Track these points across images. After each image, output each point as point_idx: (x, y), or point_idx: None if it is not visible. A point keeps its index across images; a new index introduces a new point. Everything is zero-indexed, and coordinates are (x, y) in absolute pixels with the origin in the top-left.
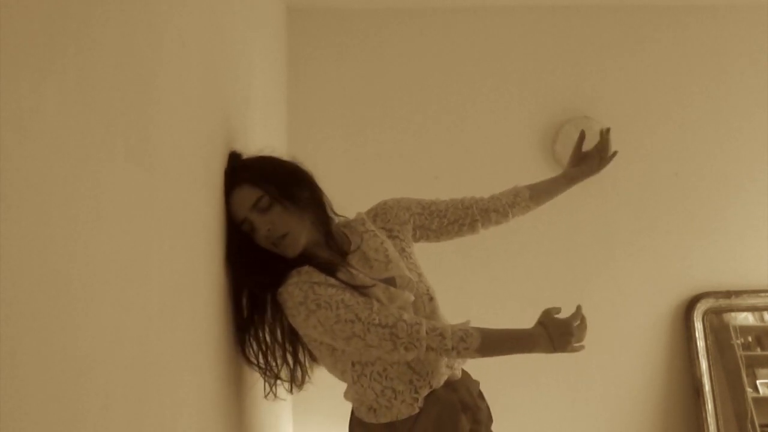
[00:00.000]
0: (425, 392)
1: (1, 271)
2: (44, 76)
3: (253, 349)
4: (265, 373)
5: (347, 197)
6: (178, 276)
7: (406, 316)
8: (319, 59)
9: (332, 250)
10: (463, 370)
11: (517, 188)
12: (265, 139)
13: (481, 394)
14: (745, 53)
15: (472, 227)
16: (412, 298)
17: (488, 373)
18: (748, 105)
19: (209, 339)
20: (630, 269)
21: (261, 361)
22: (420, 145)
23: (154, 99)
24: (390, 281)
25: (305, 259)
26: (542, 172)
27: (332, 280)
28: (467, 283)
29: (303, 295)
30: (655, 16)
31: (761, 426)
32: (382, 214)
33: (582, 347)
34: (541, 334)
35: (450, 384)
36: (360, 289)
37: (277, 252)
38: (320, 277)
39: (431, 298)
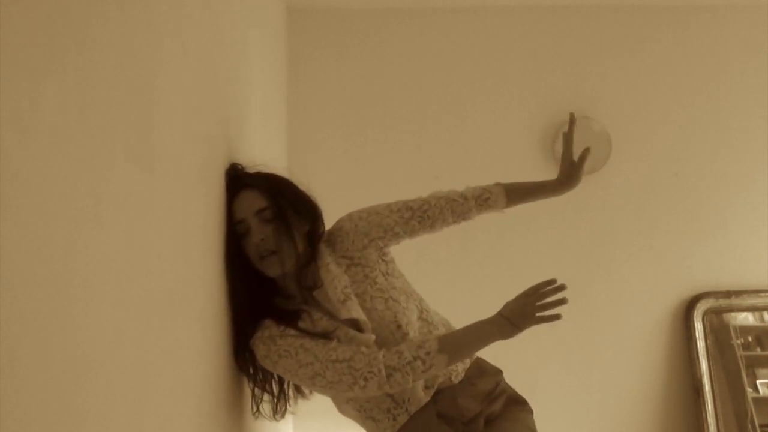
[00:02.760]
0: (404, 419)
1: (1, 271)
2: (44, 76)
3: (246, 360)
4: (254, 385)
5: (347, 197)
6: (178, 276)
7: (364, 349)
8: (319, 59)
9: (303, 284)
10: (475, 366)
11: (492, 195)
12: (264, 139)
13: (491, 393)
14: (745, 53)
15: (433, 231)
16: (373, 337)
17: None
18: (748, 105)
19: (209, 339)
20: (630, 269)
21: (251, 371)
22: (420, 145)
23: (154, 99)
24: (353, 321)
25: (277, 288)
26: (542, 172)
27: (292, 331)
28: (465, 284)
29: (266, 349)
30: (655, 16)
31: (761, 426)
32: (339, 241)
33: (556, 316)
34: (497, 320)
35: (433, 396)
36: (322, 336)
37: (259, 267)
38: (278, 330)
39: (399, 326)
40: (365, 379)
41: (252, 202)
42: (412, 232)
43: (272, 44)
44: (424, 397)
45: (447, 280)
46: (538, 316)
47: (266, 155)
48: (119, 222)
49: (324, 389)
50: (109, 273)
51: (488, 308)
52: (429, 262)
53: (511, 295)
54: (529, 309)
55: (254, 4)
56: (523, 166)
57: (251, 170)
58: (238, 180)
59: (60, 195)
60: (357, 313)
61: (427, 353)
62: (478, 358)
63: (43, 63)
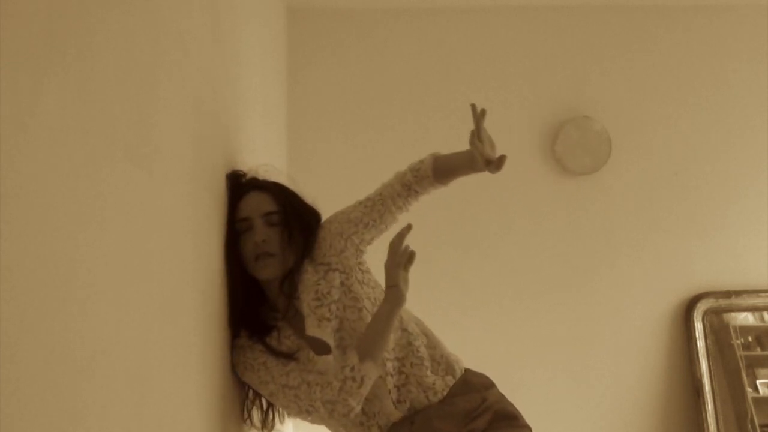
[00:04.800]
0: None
1: (1, 271)
2: (44, 76)
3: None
4: (248, 391)
5: (347, 197)
6: (178, 276)
7: (311, 378)
8: (319, 59)
9: (284, 292)
10: (461, 383)
11: (422, 161)
12: (265, 139)
13: (473, 412)
14: (745, 53)
15: (396, 209)
16: (330, 360)
17: (487, 374)
18: (748, 105)
19: (209, 339)
20: (630, 269)
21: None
22: (420, 145)
23: (154, 99)
24: (316, 338)
25: (264, 298)
26: (542, 172)
27: (259, 345)
28: (466, 284)
29: (236, 357)
30: (655, 16)
31: (761, 426)
32: (317, 248)
33: (411, 254)
34: (387, 296)
35: (409, 417)
36: (284, 356)
37: (251, 266)
38: (249, 342)
39: None
40: (308, 412)
41: (261, 203)
42: (380, 218)
43: (272, 44)
44: (394, 410)
45: (446, 279)
46: (397, 262)
47: (266, 155)
48: (119, 222)
49: (283, 409)
50: (109, 273)
51: (488, 307)
52: (431, 263)
53: (510, 294)
54: (392, 268)
55: (254, 4)
56: (523, 166)
57: (259, 175)
58: (248, 181)
59: (60, 195)
60: (315, 329)
61: (352, 369)
62: (467, 373)
63: (43, 63)
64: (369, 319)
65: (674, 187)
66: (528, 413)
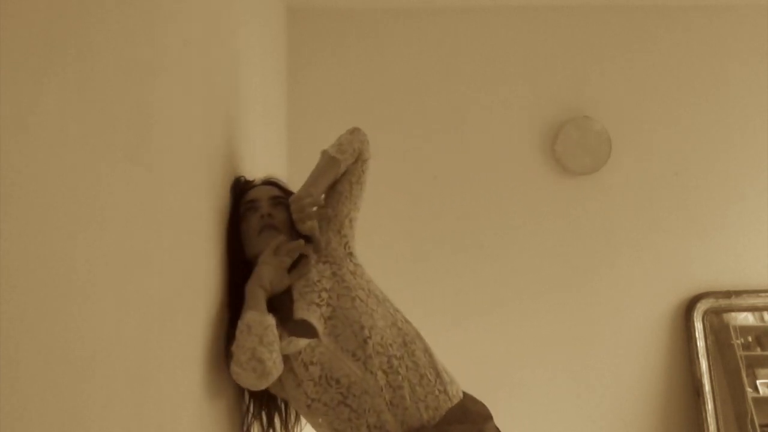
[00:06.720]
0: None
1: (1, 271)
2: (44, 76)
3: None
4: (248, 398)
5: None
6: (178, 276)
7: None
8: (319, 59)
9: None
10: (458, 409)
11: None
12: (264, 139)
13: None
14: (745, 53)
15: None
16: (302, 344)
17: (488, 374)
18: (748, 105)
19: (209, 339)
20: (630, 269)
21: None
22: (420, 145)
23: (154, 99)
24: (303, 322)
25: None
26: (542, 172)
27: None
28: (465, 284)
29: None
30: (655, 16)
31: (761, 426)
32: None
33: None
34: (254, 274)
35: None
36: None
37: (253, 244)
38: None
39: (362, 327)
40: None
41: (270, 191)
42: (349, 196)
43: (272, 44)
44: (385, 409)
45: (447, 278)
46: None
47: (266, 155)
48: (119, 222)
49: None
50: (109, 273)
51: (487, 306)
52: (431, 262)
53: (510, 294)
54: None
55: (254, 4)
56: (523, 166)
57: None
58: (256, 183)
59: (60, 195)
60: (304, 312)
61: (238, 328)
62: (466, 399)
63: (43, 63)
64: (363, 307)
65: (674, 187)
66: (528, 413)
